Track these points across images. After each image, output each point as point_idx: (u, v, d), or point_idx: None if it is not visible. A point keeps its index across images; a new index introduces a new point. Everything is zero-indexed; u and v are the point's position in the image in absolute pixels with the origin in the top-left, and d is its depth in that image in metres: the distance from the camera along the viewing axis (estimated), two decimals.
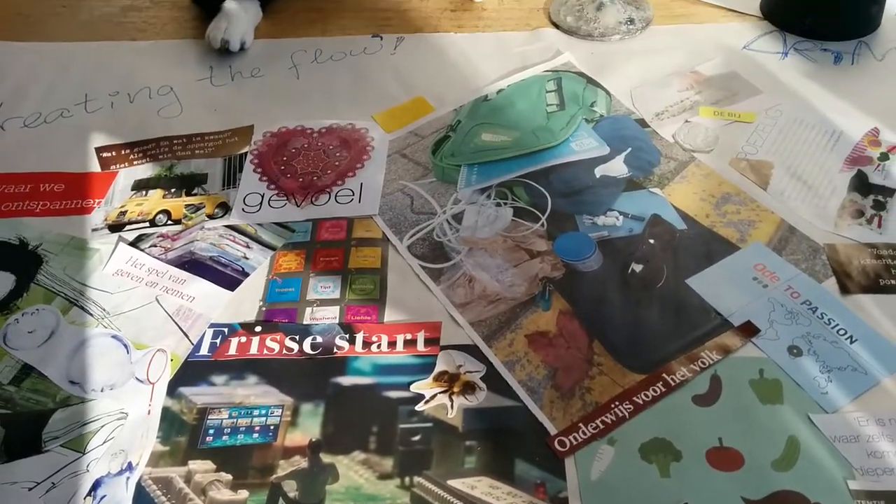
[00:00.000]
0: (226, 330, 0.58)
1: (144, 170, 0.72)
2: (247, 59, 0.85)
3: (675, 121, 0.75)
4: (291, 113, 0.78)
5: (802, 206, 0.65)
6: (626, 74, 0.81)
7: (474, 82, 0.81)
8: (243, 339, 0.58)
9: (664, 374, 0.54)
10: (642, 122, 0.75)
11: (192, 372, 0.56)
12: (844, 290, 0.58)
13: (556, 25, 0.88)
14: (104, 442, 0.51)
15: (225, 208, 0.68)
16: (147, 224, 0.66)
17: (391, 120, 0.77)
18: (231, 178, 0.71)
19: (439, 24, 0.90)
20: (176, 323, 0.58)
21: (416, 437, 0.52)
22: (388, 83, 0.82)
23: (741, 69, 0.81)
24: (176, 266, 0.62)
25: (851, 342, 0.55)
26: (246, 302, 0.60)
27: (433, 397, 0.54)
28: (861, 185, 0.66)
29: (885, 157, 0.69)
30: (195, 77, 0.83)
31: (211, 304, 0.60)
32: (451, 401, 0.54)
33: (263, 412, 0.53)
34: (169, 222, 0.67)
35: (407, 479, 0.50)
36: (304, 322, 0.59)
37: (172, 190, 0.70)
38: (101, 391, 0.54)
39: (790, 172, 0.69)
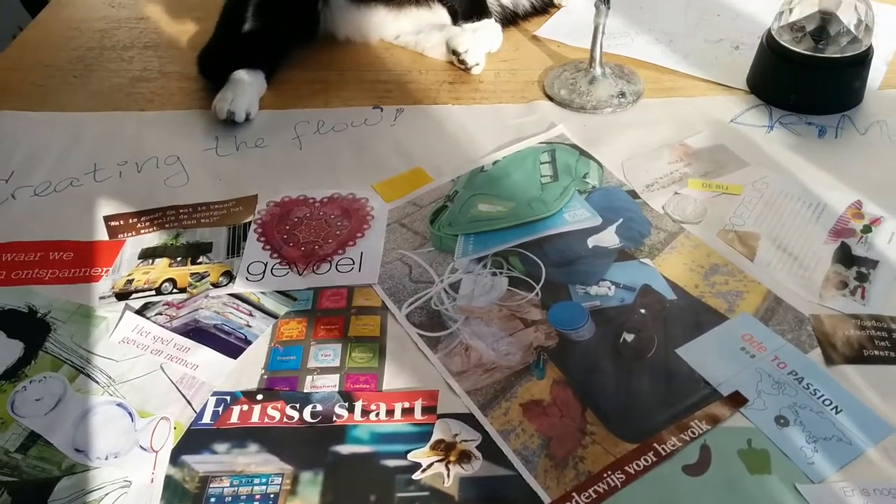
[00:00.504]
0: (228, 398, 0.60)
1: (151, 238, 0.74)
2: (251, 130, 0.89)
3: (665, 192, 0.78)
4: (294, 182, 0.81)
5: (788, 278, 0.68)
6: (617, 146, 0.84)
7: (471, 153, 0.84)
8: (245, 407, 0.59)
9: (655, 444, 0.55)
10: (633, 194, 0.78)
11: (194, 440, 0.57)
12: (829, 360, 0.60)
13: (550, 98, 0.92)
14: None
15: (229, 276, 0.70)
16: (153, 292, 0.68)
17: (391, 190, 0.80)
18: (235, 246, 0.73)
19: (438, 96, 0.94)
20: (180, 391, 0.60)
21: None
22: (388, 153, 0.85)
23: (728, 142, 0.84)
24: (181, 334, 0.64)
25: (836, 412, 0.56)
26: (248, 370, 0.62)
27: (430, 466, 0.55)
28: (845, 256, 0.69)
29: (867, 229, 0.71)
30: (201, 147, 0.86)
31: (214, 372, 0.61)
32: (448, 469, 0.55)
33: (264, 480, 0.55)
34: (174, 290, 0.69)
35: None
36: (305, 390, 0.60)
37: (178, 258, 0.72)
38: (106, 459, 0.55)
39: (776, 244, 0.71)
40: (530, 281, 0.69)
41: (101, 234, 0.75)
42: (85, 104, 0.94)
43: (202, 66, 0.96)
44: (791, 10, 0.85)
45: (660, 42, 1.00)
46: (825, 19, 0.83)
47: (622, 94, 0.91)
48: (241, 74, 0.91)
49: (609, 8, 0.87)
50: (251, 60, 0.93)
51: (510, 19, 1.05)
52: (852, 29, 0.82)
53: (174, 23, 1.09)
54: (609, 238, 0.73)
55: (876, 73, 0.91)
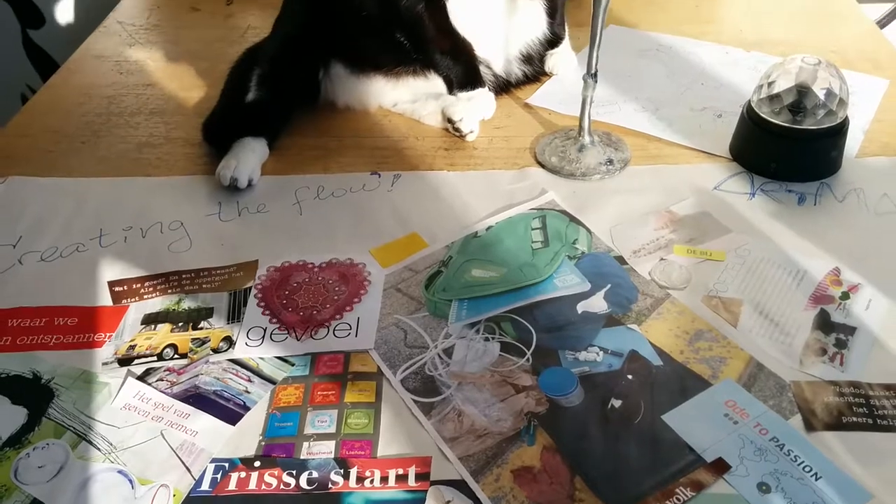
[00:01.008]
0: (226, 465, 0.61)
1: (154, 304, 0.77)
2: (253, 196, 0.92)
3: (652, 258, 0.81)
4: (294, 247, 0.84)
5: (770, 344, 0.70)
6: (605, 213, 0.87)
7: (465, 219, 0.87)
8: (243, 474, 0.60)
9: None
10: (621, 260, 0.81)
11: None
12: (809, 427, 0.62)
13: (542, 165, 0.96)
14: None
15: (229, 342, 0.72)
16: (155, 358, 0.70)
17: (387, 255, 0.83)
18: (236, 311, 0.75)
19: (434, 162, 0.97)
20: (179, 458, 0.61)
21: None
22: (385, 219, 0.88)
23: (712, 209, 0.87)
24: (181, 400, 0.66)
25: (816, 479, 0.58)
26: (247, 436, 0.64)
27: None
28: (824, 323, 0.71)
29: (846, 296, 0.74)
30: (204, 212, 0.89)
31: (213, 438, 0.63)
32: None
33: None
34: (175, 356, 0.71)
35: None
36: (301, 457, 0.62)
37: (180, 324, 0.74)
38: None
39: (758, 310, 0.73)
40: (521, 346, 0.71)
41: (105, 300, 0.77)
42: (92, 170, 0.97)
43: (207, 133, 0.99)
44: (769, 84, 0.89)
45: (646, 110, 1.05)
46: (802, 93, 0.87)
47: (610, 162, 0.95)
48: (245, 142, 0.95)
49: (596, 81, 0.91)
50: (254, 128, 0.97)
51: (503, 87, 1.09)
52: (828, 102, 0.86)
53: (181, 89, 1.13)
54: (598, 304, 0.75)
55: (853, 142, 0.95)
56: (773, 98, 0.89)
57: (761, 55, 1.14)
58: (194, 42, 1.26)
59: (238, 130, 0.96)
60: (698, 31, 1.21)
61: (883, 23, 1.50)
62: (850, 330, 0.70)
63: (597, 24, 0.87)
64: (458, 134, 1.00)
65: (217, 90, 1.06)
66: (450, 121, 1.00)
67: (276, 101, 1.00)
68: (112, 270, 0.81)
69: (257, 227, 0.87)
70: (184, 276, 0.79)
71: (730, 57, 1.15)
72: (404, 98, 1.06)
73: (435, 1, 0.97)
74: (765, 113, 0.89)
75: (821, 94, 0.86)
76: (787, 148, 0.89)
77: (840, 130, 0.88)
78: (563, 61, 1.12)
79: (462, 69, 1.03)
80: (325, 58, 1.04)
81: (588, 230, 0.85)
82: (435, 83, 1.05)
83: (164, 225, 0.87)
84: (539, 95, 1.09)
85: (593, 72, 0.91)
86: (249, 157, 0.94)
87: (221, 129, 0.98)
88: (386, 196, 0.91)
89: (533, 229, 0.85)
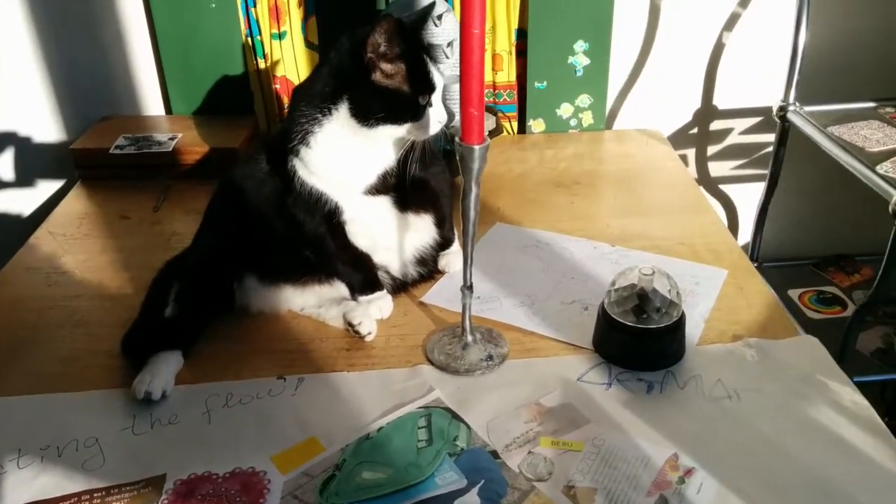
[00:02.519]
0: None
1: None
2: (166, 407, 1.01)
3: (521, 451, 0.92)
4: (201, 458, 0.92)
5: None
6: (483, 408, 0.99)
7: (360, 420, 0.98)
8: None
9: None
10: (494, 454, 0.92)
11: None
12: None
13: (431, 362, 1.08)
14: None
15: None
16: None
17: (286, 462, 0.91)
18: None
19: (335, 363, 1.09)
20: None
21: None
22: (288, 424, 0.97)
23: (575, 400, 1.00)
24: None
25: None
26: None
27: None
28: None
29: (681, 480, 0.86)
30: (119, 426, 0.97)
31: None
32: None
33: None
34: None
35: None
36: None
37: None
38: None
39: (609, 498, 0.84)
40: None
41: None
42: (18, 386, 1.04)
43: (125, 348, 1.09)
44: (616, 290, 1.05)
45: (524, 305, 1.19)
46: (642, 297, 1.03)
47: (490, 358, 1.07)
48: (161, 356, 1.04)
49: (472, 292, 1.06)
50: (171, 342, 1.07)
51: (401, 287, 1.23)
52: (663, 305, 1.02)
53: (106, 300, 1.23)
54: (472, 501, 0.85)
55: (696, 330, 1.11)
56: (619, 301, 1.04)
57: (623, 249, 1.32)
58: (122, 251, 1.37)
59: (155, 345, 1.06)
60: (572, 227, 1.40)
61: None
62: None
63: (468, 248, 1.03)
64: (358, 336, 1.13)
65: (140, 300, 1.17)
66: (350, 325, 1.12)
67: (193, 314, 1.11)
68: (28, 492, 0.87)
69: (168, 439, 0.95)
70: (95, 494, 0.86)
71: (597, 251, 1.32)
72: (311, 303, 1.18)
73: (335, 224, 1.13)
74: (614, 313, 1.04)
75: (657, 298, 1.03)
76: (635, 342, 1.03)
77: (677, 326, 1.04)
78: (454, 261, 1.27)
79: (362, 277, 1.17)
80: (239, 271, 1.17)
81: (468, 426, 0.96)
82: (339, 288, 1.19)
83: (80, 442, 0.94)
84: (432, 294, 1.23)
85: (469, 284, 1.05)
86: (164, 369, 1.03)
87: (139, 344, 1.07)
88: (289, 401, 1.01)
89: (419, 428, 0.96)
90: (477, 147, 0.94)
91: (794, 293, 1.77)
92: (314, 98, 1.07)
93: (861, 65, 1.70)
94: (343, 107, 1.05)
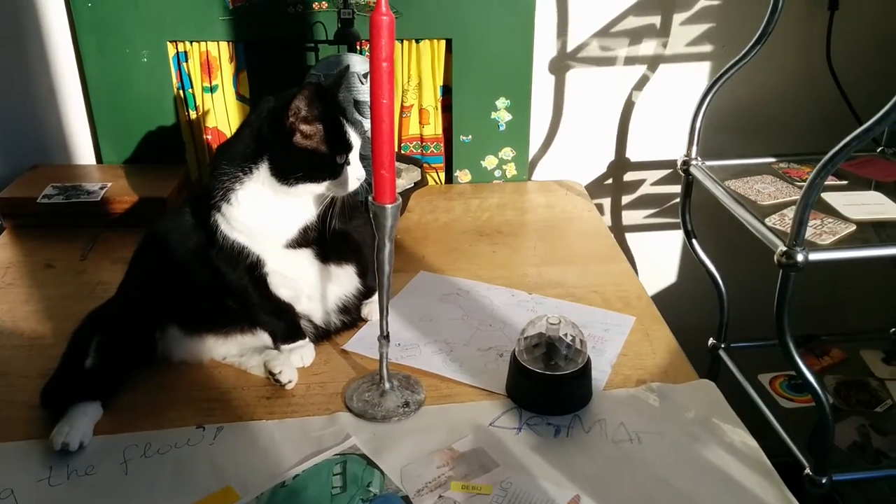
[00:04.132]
0: None
1: None
2: (84, 457, 1.01)
3: (433, 496, 0.96)
4: None
5: None
6: (398, 453, 1.03)
7: (277, 468, 1.00)
8: None
9: None
10: (407, 499, 0.95)
11: None
12: None
13: (349, 409, 1.11)
14: None
15: None
16: None
17: None
18: None
19: (255, 411, 1.11)
20: None
21: None
22: (205, 474, 0.99)
23: (485, 444, 1.04)
24: None
25: None
26: None
27: None
28: None
29: None
30: (36, 478, 0.98)
31: None
32: None
33: None
34: None
35: None
36: None
37: None
38: None
39: None
40: None
41: None
42: None
43: (44, 399, 1.09)
44: (526, 338, 1.11)
45: (442, 352, 1.24)
46: (550, 345, 1.09)
47: (407, 404, 1.11)
48: (80, 407, 1.05)
49: (388, 342, 1.10)
50: (90, 393, 1.08)
51: (324, 336, 1.27)
52: (569, 353, 1.08)
53: (27, 350, 1.23)
54: None
55: (602, 375, 1.17)
56: (529, 349, 1.10)
57: (540, 297, 1.39)
58: (46, 300, 1.38)
59: (75, 396, 1.07)
60: (492, 276, 1.46)
61: None
62: None
63: (383, 300, 1.08)
64: (278, 384, 1.15)
65: (62, 350, 1.18)
66: (270, 373, 1.15)
67: (114, 365, 1.13)
68: None
69: (85, 491, 0.96)
70: None
71: (515, 299, 1.39)
72: (233, 352, 1.21)
73: (257, 275, 1.16)
74: (524, 360, 1.10)
75: (563, 346, 1.09)
76: (544, 388, 1.09)
77: (584, 372, 1.10)
78: (377, 310, 1.31)
79: (284, 326, 1.20)
80: (162, 321, 1.19)
81: (382, 472, 0.99)
82: (261, 337, 1.22)
83: None
84: (354, 341, 1.27)
85: (385, 334, 1.10)
86: (82, 420, 1.04)
87: (59, 395, 1.08)
88: (207, 450, 1.03)
89: (334, 475, 0.99)
90: (389, 206, 1.00)
91: (764, 378, 1.65)
92: (236, 157, 1.11)
93: (762, 124, 1.84)
94: (263, 166, 1.10)
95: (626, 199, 1.94)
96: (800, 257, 1.17)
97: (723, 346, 1.70)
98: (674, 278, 1.79)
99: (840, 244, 1.26)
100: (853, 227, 1.32)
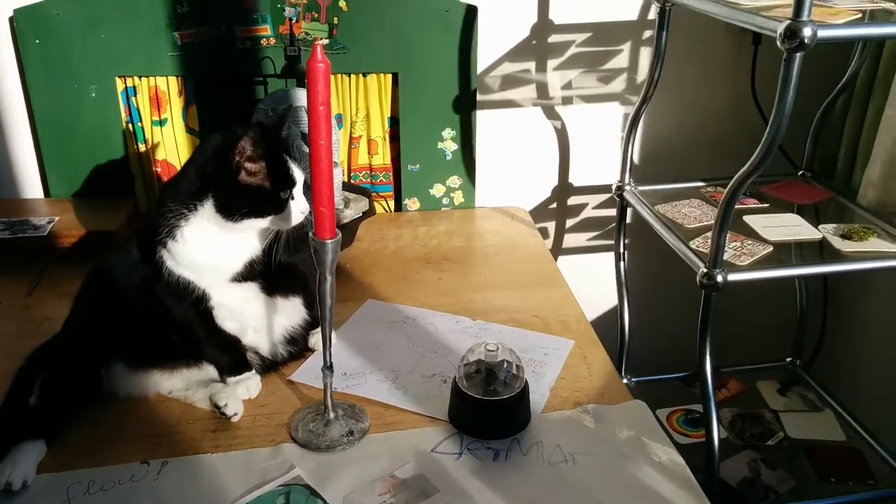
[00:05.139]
0: None
1: None
2: (27, 497, 1.01)
3: None
4: None
5: None
6: (342, 482, 1.05)
7: (221, 501, 1.02)
8: None
9: None
10: None
11: None
12: None
13: (294, 440, 1.13)
14: None
15: None
16: None
17: None
18: None
19: (200, 445, 1.12)
20: None
21: None
22: None
23: (427, 470, 1.07)
24: None
25: None
26: None
27: None
28: None
29: None
30: None
31: None
32: None
33: None
34: None
35: None
36: None
37: None
38: None
39: None
40: None
41: None
42: None
43: None
44: (466, 365, 1.14)
45: (388, 380, 1.27)
46: (489, 371, 1.13)
47: (351, 433, 1.14)
48: (23, 445, 1.06)
49: (332, 373, 1.13)
50: (34, 431, 1.08)
51: (270, 367, 1.29)
52: (507, 378, 1.12)
53: None
54: None
55: (541, 398, 1.21)
56: (468, 375, 1.14)
57: (484, 323, 1.43)
58: None
59: (18, 435, 1.07)
60: (438, 303, 1.49)
61: None
62: None
63: (326, 331, 1.11)
64: (224, 417, 1.17)
65: (5, 388, 1.18)
66: (216, 406, 1.17)
67: (58, 402, 1.13)
68: None
69: None
70: None
71: (459, 325, 1.42)
72: (179, 386, 1.22)
73: (203, 309, 1.18)
74: (464, 386, 1.14)
75: (501, 372, 1.13)
76: (483, 413, 1.13)
77: (521, 397, 1.14)
78: None
79: (230, 359, 1.22)
80: (108, 356, 1.20)
81: (325, 502, 1.02)
82: (207, 370, 1.23)
83: None
84: (301, 372, 1.29)
85: (329, 365, 1.13)
86: (25, 459, 1.04)
87: (2, 434, 1.08)
88: (151, 485, 1.04)
89: None
90: (329, 241, 1.03)
91: (662, 413, 1.63)
92: (181, 195, 1.14)
93: (695, 149, 1.92)
94: (208, 203, 1.12)
95: (569, 223, 1.99)
96: (719, 278, 1.23)
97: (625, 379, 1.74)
98: (615, 300, 1.85)
99: (757, 265, 1.33)
100: (770, 248, 1.38)
